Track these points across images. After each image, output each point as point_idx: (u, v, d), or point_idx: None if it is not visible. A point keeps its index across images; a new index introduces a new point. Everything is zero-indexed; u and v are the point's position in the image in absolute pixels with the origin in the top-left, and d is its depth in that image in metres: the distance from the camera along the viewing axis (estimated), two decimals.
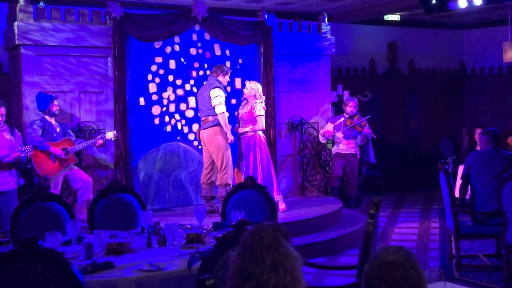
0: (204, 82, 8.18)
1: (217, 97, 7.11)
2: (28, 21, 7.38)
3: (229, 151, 7.33)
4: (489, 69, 13.14)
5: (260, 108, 7.42)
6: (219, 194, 7.27)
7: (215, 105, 7.11)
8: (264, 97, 7.70)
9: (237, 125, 7.67)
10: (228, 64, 8.36)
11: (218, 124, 7.18)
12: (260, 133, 7.53)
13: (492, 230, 5.93)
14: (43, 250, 3.01)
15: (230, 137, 7.29)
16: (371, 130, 8.76)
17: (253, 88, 7.48)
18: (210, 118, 7.22)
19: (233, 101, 8.47)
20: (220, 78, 7.31)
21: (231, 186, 7.10)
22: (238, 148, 7.64)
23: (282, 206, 7.55)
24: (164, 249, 3.90)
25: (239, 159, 7.60)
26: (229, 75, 7.41)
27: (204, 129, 7.30)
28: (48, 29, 7.46)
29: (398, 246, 2.01)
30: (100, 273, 3.39)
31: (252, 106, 7.44)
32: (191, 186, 8.27)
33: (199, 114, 7.64)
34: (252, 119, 7.42)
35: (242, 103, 7.69)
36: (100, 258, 3.59)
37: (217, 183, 7.35)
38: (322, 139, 8.96)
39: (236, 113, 7.88)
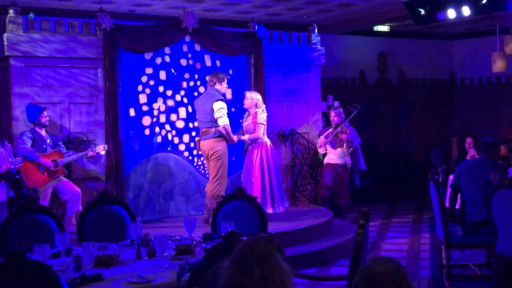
0: (195, 93, 8.21)
1: (221, 110, 7.10)
2: (18, 32, 7.37)
3: (227, 162, 7.31)
4: (479, 79, 13.24)
5: (261, 117, 7.43)
6: (210, 206, 7.23)
7: (218, 117, 7.11)
8: (264, 106, 7.70)
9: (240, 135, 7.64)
10: None
11: (220, 135, 7.18)
12: (268, 141, 7.52)
13: (482, 239, 5.94)
14: (31, 263, 2.98)
15: (236, 139, 7.31)
16: (355, 136, 8.79)
17: (254, 97, 7.49)
18: (213, 129, 7.19)
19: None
20: (217, 86, 7.30)
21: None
22: (245, 159, 7.63)
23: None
24: (154, 261, 3.87)
25: (246, 170, 7.58)
26: (225, 81, 7.38)
27: (205, 139, 7.29)
28: (38, 40, 7.45)
29: (388, 257, 2.00)
30: (89, 285, 3.36)
31: (253, 115, 7.44)
32: (181, 197, 8.24)
33: (197, 124, 7.64)
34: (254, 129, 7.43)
35: (245, 115, 7.69)
36: (88, 271, 3.56)
37: (209, 193, 7.33)
38: (320, 150, 8.97)
39: (240, 124, 7.88)
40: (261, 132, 7.45)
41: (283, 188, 7.84)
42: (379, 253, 7.51)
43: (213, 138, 7.20)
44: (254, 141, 7.45)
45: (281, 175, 9.06)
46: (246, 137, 7.47)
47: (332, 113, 8.90)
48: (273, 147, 7.74)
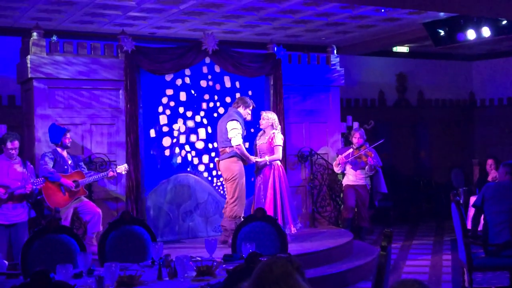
0: (215, 114, 8.26)
1: (233, 130, 7.15)
2: (41, 54, 7.48)
3: (244, 183, 7.33)
4: (499, 100, 13.14)
5: (279, 138, 7.45)
6: (229, 227, 7.23)
7: (231, 138, 7.15)
8: (280, 126, 7.72)
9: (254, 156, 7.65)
10: (238, 96, 8.42)
11: (235, 155, 7.21)
12: (279, 163, 7.54)
13: (505, 262, 5.85)
14: (55, 283, 3.00)
15: (253, 160, 7.35)
16: (377, 159, 8.76)
17: (270, 118, 7.53)
18: (227, 149, 7.25)
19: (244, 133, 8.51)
20: (241, 109, 7.36)
21: (241, 218, 7.08)
22: (256, 179, 7.63)
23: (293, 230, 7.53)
24: (175, 282, 3.87)
25: (258, 190, 7.57)
26: (251, 108, 7.44)
27: (222, 160, 7.34)
28: (61, 62, 7.56)
29: (414, 279, 1.99)
30: None
31: (270, 136, 7.48)
32: (201, 218, 8.25)
33: (216, 145, 7.71)
34: (271, 149, 7.45)
35: (259, 134, 7.72)
36: None
37: (227, 214, 7.33)
38: (337, 170, 8.95)
39: (247, 144, 7.90)
40: (281, 154, 7.47)
41: (295, 209, 7.83)
42: (400, 275, 7.42)
43: (228, 158, 7.23)
44: (269, 162, 7.47)
45: (301, 197, 9.07)
46: (266, 158, 7.48)
47: (357, 135, 8.86)
48: (286, 168, 7.74)
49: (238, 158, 7.23)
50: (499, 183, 6.21)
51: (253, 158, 7.39)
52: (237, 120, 7.21)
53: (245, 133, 7.46)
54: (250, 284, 2.01)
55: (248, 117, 7.54)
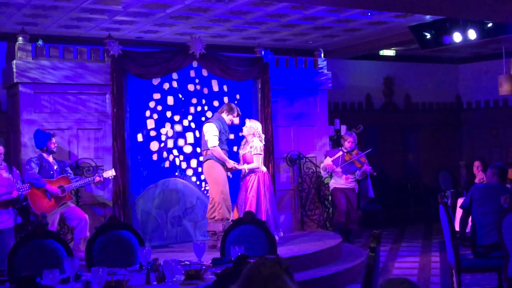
0: (202, 118, 8.25)
1: (208, 132, 7.16)
2: (27, 59, 7.44)
3: (227, 187, 7.30)
4: (485, 102, 13.23)
5: (256, 146, 7.41)
6: (217, 229, 7.23)
7: (207, 140, 7.14)
8: (263, 136, 7.70)
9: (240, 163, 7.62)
10: (225, 99, 8.42)
11: (212, 158, 7.20)
12: (264, 169, 7.52)
13: (494, 263, 5.87)
14: None
15: (231, 165, 7.31)
16: (370, 167, 8.78)
17: (252, 127, 7.50)
18: (205, 152, 7.28)
19: (231, 136, 8.49)
20: (224, 115, 7.35)
21: (230, 221, 7.06)
22: (241, 184, 7.61)
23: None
24: (163, 286, 3.85)
25: (240, 196, 7.56)
26: (235, 114, 7.43)
27: (203, 162, 7.37)
28: (47, 67, 7.51)
29: (403, 278, 1.99)
30: None
31: (251, 145, 7.46)
32: (189, 222, 8.22)
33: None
34: (252, 158, 7.43)
35: (242, 142, 7.70)
36: None
37: (207, 215, 7.37)
38: (324, 174, 8.95)
39: (235, 148, 7.89)
40: (260, 162, 7.45)
41: (278, 217, 7.82)
42: (389, 277, 7.43)
43: (207, 161, 7.25)
44: (252, 170, 7.46)
45: (289, 200, 9.06)
46: (245, 166, 7.46)
47: (351, 139, 8.85)
48: (274, 172, 7.70)
49: (215, 161, 7.23)
50: (487, 184, 6.23)
51: (231, 162, 7.35)
52: (213, 122, 7.19)
53: (230, 137, 7.43)
54: (239, 286, 1.99)
55: (236, 121, 7.57)
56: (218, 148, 7.18)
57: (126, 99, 7.85)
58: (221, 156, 7.23)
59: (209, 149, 7.19)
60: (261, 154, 7.46)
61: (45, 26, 8.54)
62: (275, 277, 1.96)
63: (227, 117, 7.37)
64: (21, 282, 2.90)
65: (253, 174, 7.46)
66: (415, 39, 9.67)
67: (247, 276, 1.98)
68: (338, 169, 8.79)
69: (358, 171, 8.76)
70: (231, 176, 7.65)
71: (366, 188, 9.01)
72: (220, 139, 7.21)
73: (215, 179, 7.24)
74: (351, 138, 8.87)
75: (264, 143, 7.63)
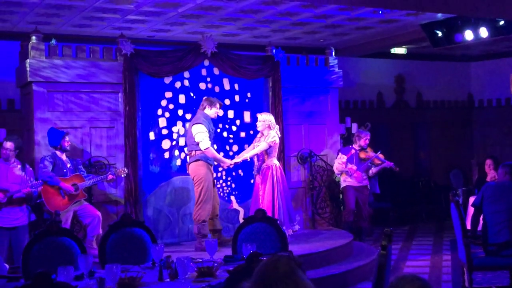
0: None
1: (199, 134, 7.11)
2: (40, 58, 7.50)
3: (209, 186, 7.25)
4: (497, 101, 13.17)
5: (270, 136, 7.37)
6: (194, 231, 7.27)
7: (198, 142, 7.12)
8: (278, 126, 7.70)
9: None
10: (237, 98, 8.45)
11: (201, 159, 7.19)
12: (277, 163, 7.51)
13: (505, 261, 5.86)
14: (57, 284, 3.00)
15: (227, 163, 7.34)
16: (392, 162, 8.81)
17: (266, 119, 7.48)
18: (193, 153, 7.23)
19: (242, 134, 8.53)
20: (207, 110, 7.30)
21: (205, 223, 7.13)
22: (255, 180, 7.63)
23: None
24: (176, 283, 3.88)
25: (256, 191, 7.57)
26: (217, 105, 7.35)
27: (189, 163, 7.32)
28: (60, 66, 7.57)
29: (414, 275, 2.01)
30: None
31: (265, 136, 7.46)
32: None
33: (215, 147, 7.68)
34: (270, 150, 7.42)
35: (258, 136, 7.68)
36: None
37: (193, 217, 7.33)
38: (337, 172, 8.90)
39: (246, 146, 7.90)
40: (262, 149, 7.38)
41: (293, 211, 7.82)
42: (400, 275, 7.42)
43: (194, 162, 7.22)
44: (264, 162, 7.44)
45: (300, 198, 9.08)
46: (238, 160, 7.48)
47: (368, 137, 8.84)
48: (285, 170, 7.68)
49: (204, 162, 7.20)
50: (499, 182, 6.22)
51: (226, 160, 7.36)
52: (201, 123, 7.16)
53: (212, 133, 7.38)
54: (254, 283, 2.01)
55: (220, 113, 7.65)
56: (212, 149, 7.19)
57: (138, 97, 7.90)
58: (216, 156, 7.25)
59: (198, 150, 7.16)
60: (269, 144, 7.37)
61: (58, 26, 8.61)
62: (292, 273, 1.99)
63: (211, 111, 7.30)
64: (37, 278, 2.94)
65: (267, 168, 7.45)
66: (426, 37, 9.65)
67: (263, 273, 2.00)
68: (354, 167, 8.68)
69: (374, 167, 8.76)
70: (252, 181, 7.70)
71: (374, 184, 9.04)
72: (210, 139, 7.20)
73: (202, 179, 7.18)
74: (368, 136, 8.86)
75: (280, 135, 7.62)
